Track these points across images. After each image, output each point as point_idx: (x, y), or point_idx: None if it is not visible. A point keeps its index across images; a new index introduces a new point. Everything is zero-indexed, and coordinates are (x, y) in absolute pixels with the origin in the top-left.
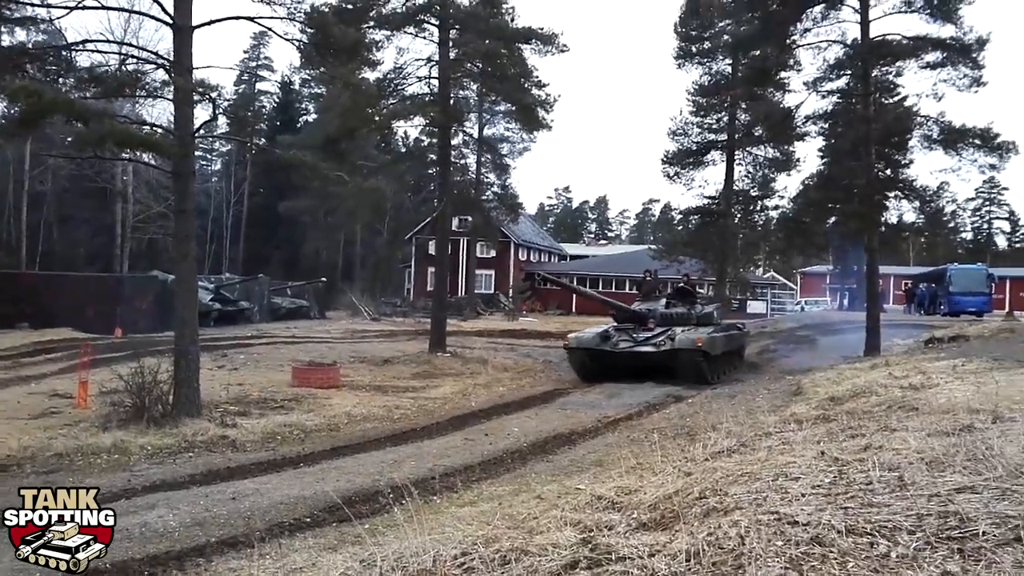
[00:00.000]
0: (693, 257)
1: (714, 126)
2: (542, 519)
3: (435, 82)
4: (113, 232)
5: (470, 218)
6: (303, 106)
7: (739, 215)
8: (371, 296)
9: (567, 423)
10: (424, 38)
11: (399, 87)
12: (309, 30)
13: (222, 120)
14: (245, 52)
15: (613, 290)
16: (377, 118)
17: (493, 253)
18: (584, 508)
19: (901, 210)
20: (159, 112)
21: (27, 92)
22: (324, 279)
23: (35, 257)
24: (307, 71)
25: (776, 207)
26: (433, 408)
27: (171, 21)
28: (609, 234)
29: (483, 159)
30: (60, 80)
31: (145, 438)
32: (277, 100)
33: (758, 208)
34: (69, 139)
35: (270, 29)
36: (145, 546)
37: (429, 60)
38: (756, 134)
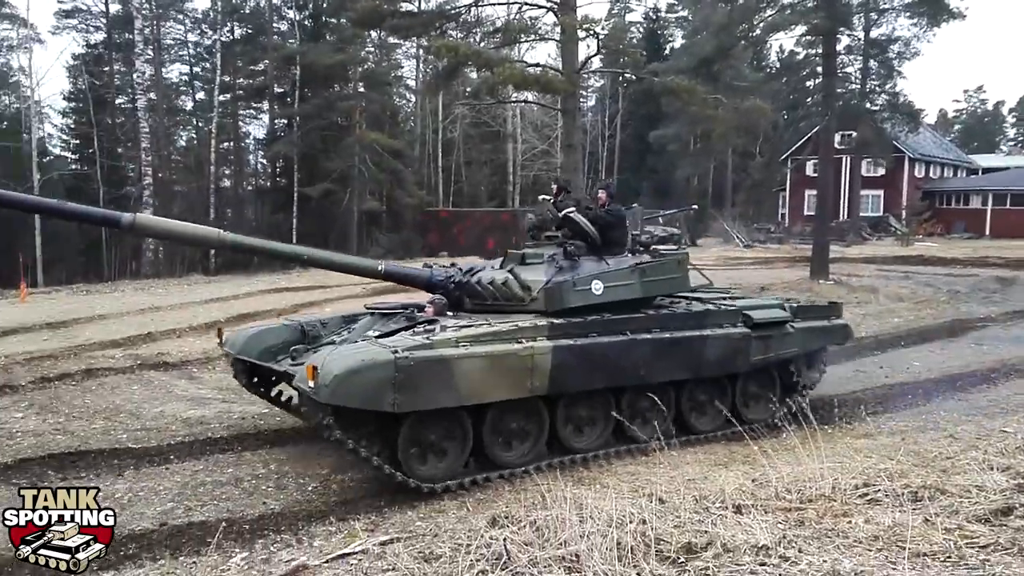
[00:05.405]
0: None
1: None
2: (958, 460)
3: None
4: (505, 171)
5: (854, 133)
6: (669, 32)
7: None
8: (743, 222)
9: (982, 360)
10: None
11: None
12: None
13: (597, 58)
14: None
15: None
16: (753, 33)
17: (882, 171)
18: (1015, 453)
19: None
20: (537, 56)
21: (448, 48)
22: (695, 206)
23: (448, 195)
24: None
25: None
26: None
27: None
28: None
29: (870, 65)
30: (469, 35)
31: None
32: (643, 29)
33: None
34: (467, 89)
35: None
36: None
37: None
38: None
